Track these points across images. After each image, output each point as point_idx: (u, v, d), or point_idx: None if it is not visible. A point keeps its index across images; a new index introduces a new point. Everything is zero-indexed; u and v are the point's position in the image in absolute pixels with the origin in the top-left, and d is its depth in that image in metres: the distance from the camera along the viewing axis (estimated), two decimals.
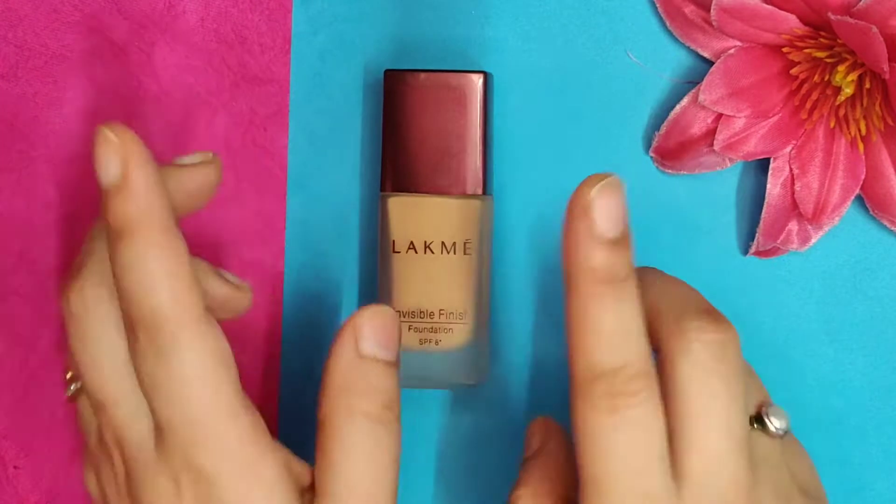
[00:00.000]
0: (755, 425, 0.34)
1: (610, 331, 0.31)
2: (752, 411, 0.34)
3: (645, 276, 0.33)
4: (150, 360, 0.32)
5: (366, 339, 0.33)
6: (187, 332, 0.32)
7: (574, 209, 0.31)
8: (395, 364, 0.34)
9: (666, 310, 0.32)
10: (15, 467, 0.44)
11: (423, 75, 0.40)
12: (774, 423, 0.34)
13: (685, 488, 0.32)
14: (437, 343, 0.41)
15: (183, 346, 0.32)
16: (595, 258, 0.31)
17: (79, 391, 0.36)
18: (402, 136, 0.40)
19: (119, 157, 0.32)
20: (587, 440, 0.31)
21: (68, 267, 0.43)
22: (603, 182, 0.30)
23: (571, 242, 0.31)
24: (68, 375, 0.37)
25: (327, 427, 0.33)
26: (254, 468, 0.33)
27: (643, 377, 0.31)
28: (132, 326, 0.32)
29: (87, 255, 0.34)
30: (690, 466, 0.32)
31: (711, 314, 0.32)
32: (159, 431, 0.33)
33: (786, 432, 0.34)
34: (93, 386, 0.34)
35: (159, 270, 0.32)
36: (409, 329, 0.41)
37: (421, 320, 0.41)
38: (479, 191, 0.40)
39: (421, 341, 0.41)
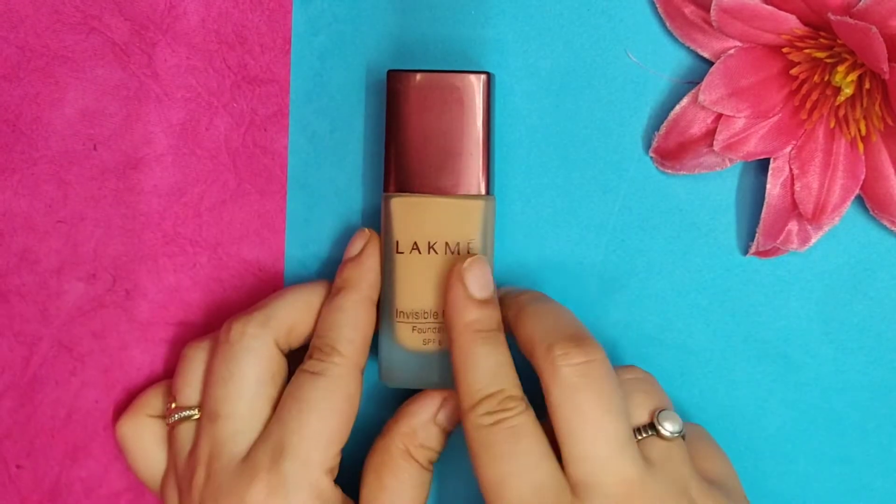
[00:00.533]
0: (649, 431, 0.38)
1: (486, 366, 0.38)
2: (646, 419, 0.39)
3: (523, 308, 0.40)
4: (304, 382, 0.39)
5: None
6: (343, 371, 0.39)
7: (451, 279, 0.39)
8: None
9: (539, 340, 0.38)
10: (17, 467, 0.45)
11: (425, 76, 0.40)
12: (666, 427, 0.38)
13: (577, 494, 0.37)
14: (439, 343, 0.41)
15: (334, 377, 0.39)
16: (470, 313, 0.39)
17: (181, 419, 0.41)
18: (405, 137, 0.40)
19: (364, 241, 0.41)
20: (479, 451, 0.37)
21: (69, 265, 0.44)
22: (471, 259, 0.40)
23: (451, 304, 0.39)
24: (173, 405, 0.41)
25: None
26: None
27: (516, 399, 0.38)
28: (310, 353, 0.40)
29: (268, 304, 0.41)
30: (578, 474, 0.37)
31: (576, 340, 0.38)
32: (274, 449, 0.39)
33: (679, 434, 0.38)
34: (218, 397, 0.40)
35: (351, 316, 0.40)
36: (413, 330, 0.41)
37: (424, 321, 0.41)
38: (482, 191, 0.40)
39: (424, 341, 0.41)
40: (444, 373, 0.41)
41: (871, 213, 0.41)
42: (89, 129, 0.44)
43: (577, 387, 0.37)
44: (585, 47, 0.42)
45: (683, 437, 0.39)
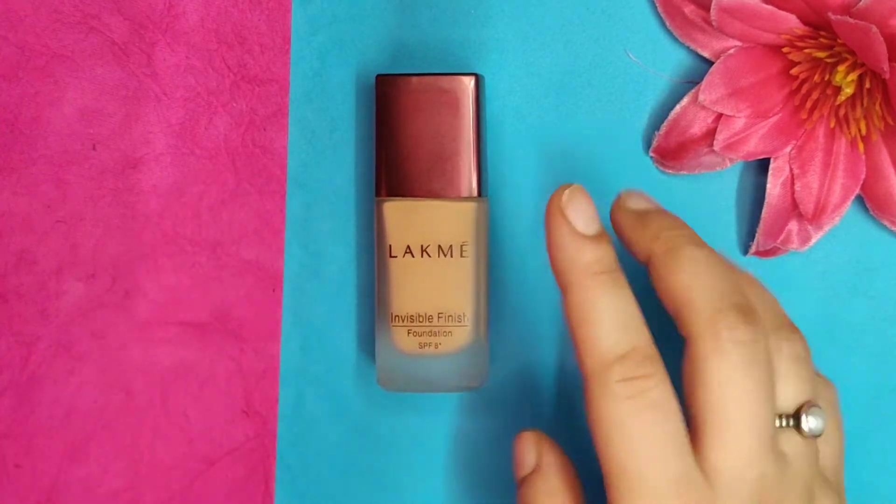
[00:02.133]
0: (791, 422, 0.34)
1: (614, 318, 0.33)
2: (791, 409, 0.35)
3: (679, 251, 0.34)
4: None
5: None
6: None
7: (551, 216, 0.34)
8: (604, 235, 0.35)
9: (701, 300, 0.33)
10: (15, 466, 0.45)
11: (414, 79, 0.40)
12: (810, 425, 0.34)
13: (716, 481, 0.32)
14: (436, 347, 0.40)
15: None
16: (585, 253, 0.33)
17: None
18: (396, 141, 0.40)
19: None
20: (611, 430, 0.32)
21: (67, 265, 0.44)
22: (570, 188, 0.34)
23: (558, 245, 0.33)
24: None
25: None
26: None
27: (653, 360, 0.32)
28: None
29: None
30: (720, 462, 0.32)
31: (746, 313, 0.33)
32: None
33: (819, 435, 0.35)
34: None
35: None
36: (409, 333, 0.41)
37: (420, 324, 0.40)
38: (475, 193, 0.40)
39: (420, 345, 0.41)
40: (442, 376, 0.41)
41: (872, 213, 0.41)
42: (88, 129, 0.44)
43: (738, 367, 0.32)
44: (585, 47, 0.42)
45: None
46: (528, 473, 0.36)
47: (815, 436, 0.34)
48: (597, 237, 0.33)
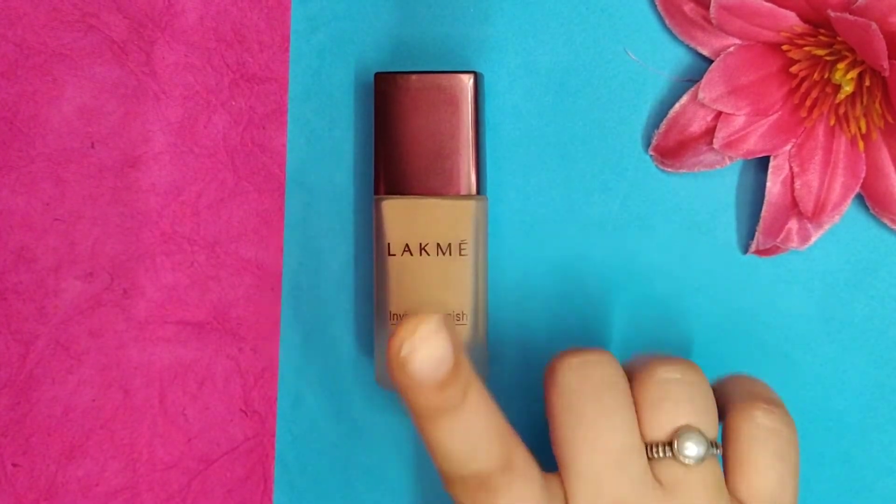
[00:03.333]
0: (665, 451, 0.35)
1: (450, 450, 0.33)
2: (662, 436, 0.35)
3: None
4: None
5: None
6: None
7: (392, 367, 0.31)
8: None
9: None
10: (13, 465, 0.44)
11: (413, 77, 0.40)
12: (686, 452, 0.34)
13: None
14: None
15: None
16: (422, 402, 0.32)
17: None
18: (395, 139, 0.40)
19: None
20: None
21: (66, 263, 0.43)
22: (414, 334, 0.31)
23: (401, 390, 0.32)
24: None
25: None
26: None
27: (497, 477, 0.33)
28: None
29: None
30: (571, 489, 0.34)
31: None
32: None
33: (702, 459, 0.34)
34: None
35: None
36: None
37: None
38: (473, 191, 0.40)
39: None
40: None
41: (872, 211, 0.41)
42: (87, 127, 0.44)
43: (577, 394, 0.34)
44: (584, 45, 0.42)
45: (719, 452, 0.35)
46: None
47: (697, 462, 0.34)
48: (438, 384, 0.31)
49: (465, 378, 0.32)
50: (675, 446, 0.34)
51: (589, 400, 0.34)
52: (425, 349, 0.31)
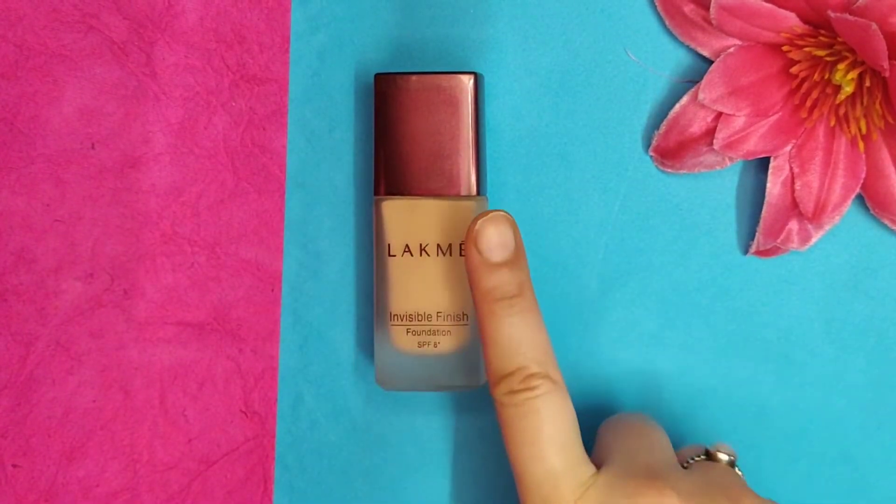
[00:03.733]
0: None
1: (503, 342, 0.37)
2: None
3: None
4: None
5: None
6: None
7: (466, 244, 0.37)
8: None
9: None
10: (13, 466, 0.44)
11: (413, 78, 0.40)
12: (719, 456, 0.39)
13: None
14: (435, 346, 0.40)
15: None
16: (487, 280, 0.37)
17: None
18: (395, 140, 0.40)
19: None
20: (503, 430, 0.37)
21: (66, 264, 0.43)
22: (483, 218, 0.37)
23: (468, 270, 0.37)
24: None
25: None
26: None
27: (539, 377, 0.36)
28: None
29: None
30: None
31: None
32: None
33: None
34: None
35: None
36: (408, 332, 0.40)
37: (419, 323, 0.40)
38: (473, 192, 0.40)
39: (419, 344, 0.40)
40: (441, 375, 0.41)
41: (872, 212, 0.41)
42: (87, 128, 0.44)
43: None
44: (584, 46, 0.42)
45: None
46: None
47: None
48: (501, 264, 0.37)
49: (524, 272, 0.37)
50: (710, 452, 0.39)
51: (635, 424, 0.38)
52: (494, 227, 0.37)
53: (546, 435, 0.36)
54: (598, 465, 0.37)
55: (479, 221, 0.37)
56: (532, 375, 0.36)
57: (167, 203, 0.44)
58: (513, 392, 0.36)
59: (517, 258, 0.37)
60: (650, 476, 0.36)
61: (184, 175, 0.44)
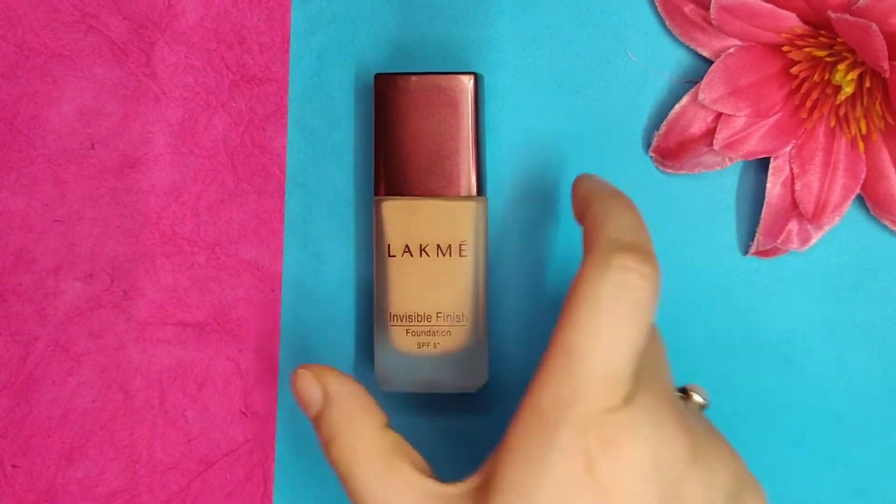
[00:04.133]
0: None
1: (631, 219, 0.34)
2: None
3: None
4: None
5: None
6: None
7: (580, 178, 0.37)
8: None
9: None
10: (13, 466, 0.44)
11: (413, 78, 0.40)
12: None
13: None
14: (435, 346, 0.40)
15: None
16: (614, 186, 0.36)
17: None
18: (395, 140, 0.40)
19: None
20: (584, 302, 0.32)
21: (66, 265, 0.43)
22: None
23: (585, 181, 0.37)
24: None
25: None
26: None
27: (654, 265, 0.32)
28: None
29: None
30: None
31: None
32: None
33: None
34: None
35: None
36: (407, 333, 0.40)
37: (419, 324, 0.40)
38: (474, 192, 0.40)
39: (419, 345, 0.40)
40: (441, 376, 0.41)
41: (872, 212, 0.41)
42: (87, 128, 0.44)
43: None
44: (584, 46, 0.42)
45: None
46: (320, 409, 0.36)
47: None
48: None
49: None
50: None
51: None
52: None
53: (626, 336, 0.32)
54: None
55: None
56: (649, 261, 0.32)
57: (167, 203, 0.44)
58: (627, 267, 0.32)
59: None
60: (676, 413, 0.33)
61: (184, 175, 0.44)
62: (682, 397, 0.37)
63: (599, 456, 0.31)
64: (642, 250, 0.33)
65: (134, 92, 0.43)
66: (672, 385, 0.35)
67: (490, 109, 0.42)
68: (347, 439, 0.35)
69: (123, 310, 0.44)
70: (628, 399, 0.32)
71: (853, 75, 0.38)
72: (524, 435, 0.32)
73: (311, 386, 0.36)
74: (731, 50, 0.40)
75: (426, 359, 0.40)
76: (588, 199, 0.35)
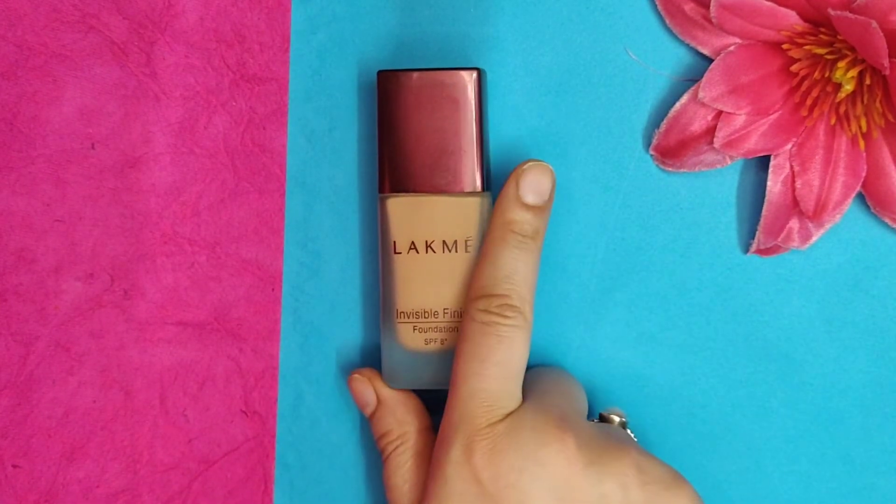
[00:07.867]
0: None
1: (503, 267, 0.39)
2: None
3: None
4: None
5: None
6: None
7: (509, 179, 0.39)
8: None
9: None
10: (13, 466, 0.44)
11: (416, 75, 0.40)
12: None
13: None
14: (442, 342, 0.40)
15: None
16: (512, 213, 0.39)
17: None
18: (398, 137, 0.40)
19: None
20: (461, 342, 0.38)
21: (66, 264, 0.43)
22: (537, 163, 0.39)
23: (499, 200, 0.39)
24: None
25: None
26: None
27: (516, 310, 0.38)
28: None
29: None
30: None
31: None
32: None
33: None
34: None
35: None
36: (414, 330, 0.40)
37: (425, 320, 0.40)
38: (478, 188, 0.40)
39: (426, 341, 0.40)
40: (447, 372, 0.40)
41: (873, 210, 0.41)
42: (87, 128, 0.44)
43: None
44: (585, 45, 0.42)
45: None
46: (374, 409, 0.42)
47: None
48: (530, 207, 0.39)
49: (544, 224, 0.39)
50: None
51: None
52: (539, 173, 0.39)
53: (497, 359, 0.38)
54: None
55: (529, 164, 0.39)
56: (511, 306, 0.38)
57: (167, 203, 0.44)
58: (488, 312, 0.38)
59: (544, 209, 0.39)
60: (559, 418, 0.37)
61: (184, 175, 0.44)
62: (600, 422, 0.41)
63: (485, 465, 0.36)
64: (502, 297, 0.38)
65: (134, 92, 0.43)
66: (579, 409, 0.39)
67: (491, 107, 0.42)
68: (392, 439, 0.41)
69: (124, 309, 0.44)
70: (510, 415, 0.37)
71: (853, 73, 0.38)
72: (434, 457, 0.38)
73: (365, 389, 0.42)
74: (732, 48, 0.40)
75: (433, 355, 0.40)
76: (488, 230, 0.40)
